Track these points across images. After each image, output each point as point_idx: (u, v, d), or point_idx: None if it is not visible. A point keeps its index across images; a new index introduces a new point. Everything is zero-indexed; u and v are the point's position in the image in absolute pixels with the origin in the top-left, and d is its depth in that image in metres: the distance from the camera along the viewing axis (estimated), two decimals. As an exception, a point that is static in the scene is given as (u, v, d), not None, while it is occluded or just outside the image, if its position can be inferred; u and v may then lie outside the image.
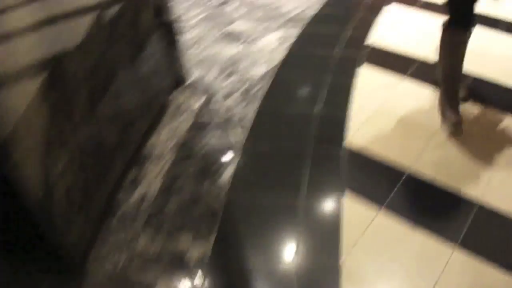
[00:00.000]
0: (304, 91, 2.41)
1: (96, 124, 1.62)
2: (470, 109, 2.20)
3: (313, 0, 3.36)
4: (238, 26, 3.05)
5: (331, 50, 2.72)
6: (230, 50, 2.78)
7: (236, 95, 2.39)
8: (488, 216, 1.70)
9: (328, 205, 1.78)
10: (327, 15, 3.17)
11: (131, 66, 1.91)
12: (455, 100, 2.09)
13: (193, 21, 3.13)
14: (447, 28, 1.99)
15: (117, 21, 1.72)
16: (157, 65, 2.20)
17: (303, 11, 3.21)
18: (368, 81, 2.45)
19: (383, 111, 2.22)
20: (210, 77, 2.54)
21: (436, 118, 2.15)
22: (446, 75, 2.11)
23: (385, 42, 2.79)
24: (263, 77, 2.51)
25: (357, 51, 2.70)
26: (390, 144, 2.03)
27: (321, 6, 3.27)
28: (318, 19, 3.10)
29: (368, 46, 2.75)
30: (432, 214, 1.73)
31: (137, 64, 1.96)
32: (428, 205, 1.77)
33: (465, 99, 2.23)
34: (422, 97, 2.31)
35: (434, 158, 1.95)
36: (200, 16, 3.19)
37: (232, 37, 2.92)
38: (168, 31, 2.26)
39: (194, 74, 2.56)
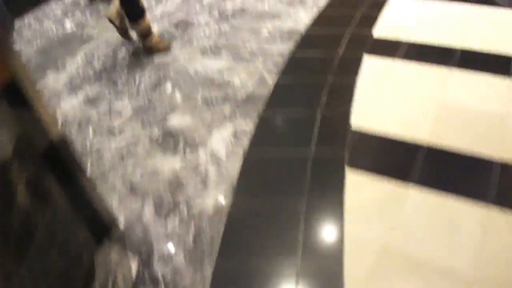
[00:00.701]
0: (277, 231, 1.66)
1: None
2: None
3: (267, 67, 2.63)
4: (177, 121, 2.31)
5: (304, 149, 1.98)
6: (168, 165, 2.03)
7: (183, 248, 1.66)
8: None
9: None
10: (289, 89, 2.42)
11: (33, 229, 1.16)
12: None
13: (121, 121, 2.38)
14: None
15: None
16: (70, 215, 1.44)
17: (257, 85, 2.48)
18: (362, 196, 1.72)
19: (393, 254, 1.50)
20: (145, 217, 1.80)
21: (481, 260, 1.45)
22: None
23: (382, 124, 2.08)
24: (216, 211, 1.78)
25: (340, 148, 1.97)
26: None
27: (279, 74, 2.53)
28: (278, 98, 2.35)
29: (355, 134, 2.03)
30: None
31: (42, 222, 1.21)
32: None
33: None
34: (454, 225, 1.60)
35: None
36: (129, 111, 2.43)
37: (170, 140, 2.17)
38: (73, 164, 1.52)
39: (123, 215, 1.82)
